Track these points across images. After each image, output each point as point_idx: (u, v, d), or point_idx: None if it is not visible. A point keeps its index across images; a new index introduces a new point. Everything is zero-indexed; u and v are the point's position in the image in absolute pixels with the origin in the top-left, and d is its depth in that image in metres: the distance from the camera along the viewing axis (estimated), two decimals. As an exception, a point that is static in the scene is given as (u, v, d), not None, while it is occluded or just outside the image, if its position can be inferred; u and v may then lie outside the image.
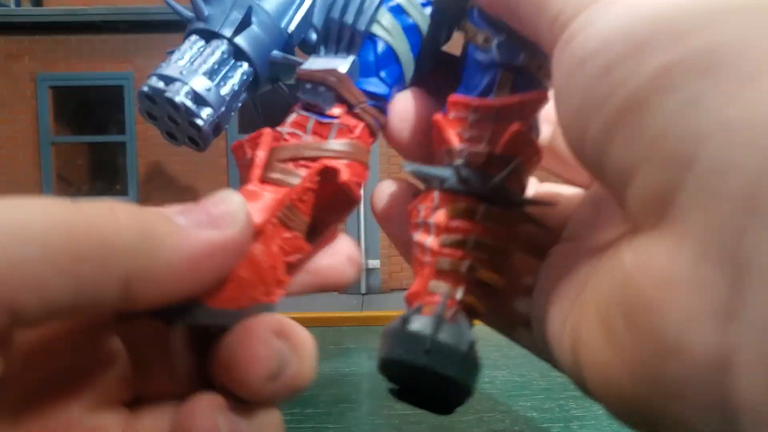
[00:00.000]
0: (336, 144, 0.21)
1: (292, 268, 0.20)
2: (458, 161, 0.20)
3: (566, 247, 0.22)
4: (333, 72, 0.21)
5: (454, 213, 0.20)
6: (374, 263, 4.68)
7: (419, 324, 0.18)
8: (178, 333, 0.19)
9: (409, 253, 0.22)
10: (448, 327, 0.18)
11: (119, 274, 0.15)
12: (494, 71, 0.21)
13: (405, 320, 0.19)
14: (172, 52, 0.23)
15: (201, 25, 0.23)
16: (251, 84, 0.23)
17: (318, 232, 0.21)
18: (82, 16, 4.29)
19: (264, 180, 0.20)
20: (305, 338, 0.19)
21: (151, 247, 0.15)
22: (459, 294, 0.20)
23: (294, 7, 0.23)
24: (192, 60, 0.22)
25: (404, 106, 0.23)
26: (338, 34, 0.22)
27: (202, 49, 0.22)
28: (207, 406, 0.18)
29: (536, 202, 0.21)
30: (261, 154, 0.21)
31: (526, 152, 0.20)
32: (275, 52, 0.23)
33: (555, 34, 0.17)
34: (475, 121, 0.21)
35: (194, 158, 4.35)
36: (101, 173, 4.69)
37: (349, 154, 0.21)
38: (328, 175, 0.20)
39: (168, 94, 0.21)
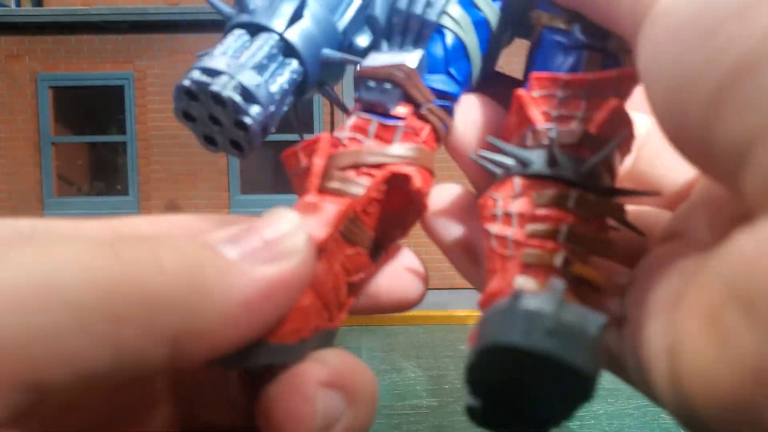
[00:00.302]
0: (401, 149, 0.19)
1: (354, 288, 0.18)
2: (544, 142, 0.18)
3: (665, 247, 0.19)
4: (401, 67, 0.19)
5: (542, 200, 0.17)
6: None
7: (537, 302, 0.14)
8: (233, 370, 0.18)
9: (467, 257, 0.20)
10: (570, 306, 0.14)
11: (166, 334, 0.13)
12: (578, 52, 0.19)
13: (516, 298, 0.15)
14: (203, 55, 0.20)
15: (246, 18, 0.21)
16: (299, 85, 0.21)
17: (381, 247, 0.19)
18: (82, 16, 4.28)
19: (322, 190, 0.18)
20: (365, 385, 0.17)
21: (201, 298, 0.13)
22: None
23: (345, 2, 0.21)
24: (237, 54, 0.20)
25: (472, 109, 0.21)
26: (404, 26, 0.20)
27: (248, 44, 0.20)
28: None
29: (636, 191, 0.18)
30: (319, 162, 0.19)
31: (622, 133, 0.18)
32: (328, 51, 0.21)
33: (639, 11, 0.15)
34: (565, 98, 0.19)
35: (194, 159, 4.34)
36: (102, 173, 4.69)
37: (415, 159, 0.19)
38: (396, 182, 0.19)
39: (214, 88, 0.19)
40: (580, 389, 0.14)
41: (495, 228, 0.18)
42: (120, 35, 4.31)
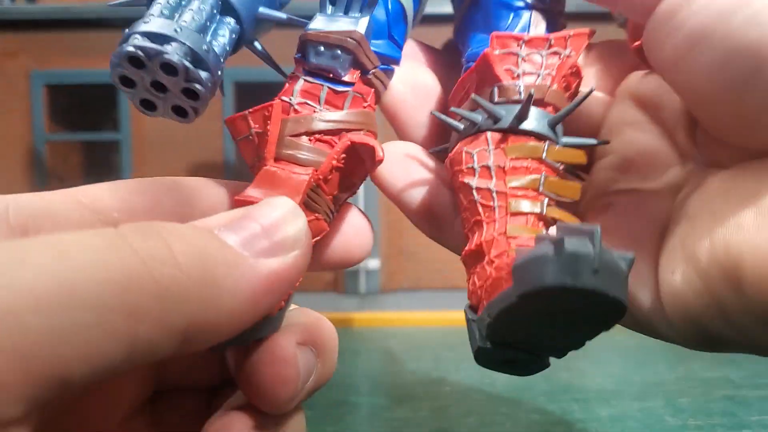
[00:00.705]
0: (352, 114, 0.19)
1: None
2: (513, 98, 0.19)
3: (622, 196, 0.21)
4: (352, 34, 0.19)
5: (518, 153, 0.19)
6: (374, 264, 4.66)
7: (577, 244, 0.15)
8: None
9: (438, 213, 0.21)
10: (604, 248, 0.16)
11: (179, 327, 0.13)
12: (527, 12, 0.21)
13: (559, 242, 0.15)
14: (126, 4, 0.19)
15: None
16: (234, 44, 0.21)
17: (334, 209, 0.20)
18: (76, 12, 4.26)
19: (277, 157, 0.19)
20: (330, 336, 0.19)
21: (212, 291, 0.14)
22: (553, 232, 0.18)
23: None
24: (178, 14, 0.19)
25: (406, 71, 0.22)
26: None
27: (185, 3, 0.19)
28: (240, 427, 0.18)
29: (592, 142, 0.20)
30: (274, 129, 0.19)
31: (589, 90, 0.20)
32: (265, 9, 0.21)
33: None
34: (526, 56, 0.20)
35: (190, 157, 4.32)
36: (95, 171, 4.66)
37: (364, 124, 0.20)
38: (355, 151, 0.19)
39: (167, 56, 0.18)
40: (616, 316, 0.16)
41: (474, 181, 0.19)
42: (115, 32, 4.29)
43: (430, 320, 1.36)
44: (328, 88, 0.20)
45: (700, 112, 0.17)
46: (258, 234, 0.15)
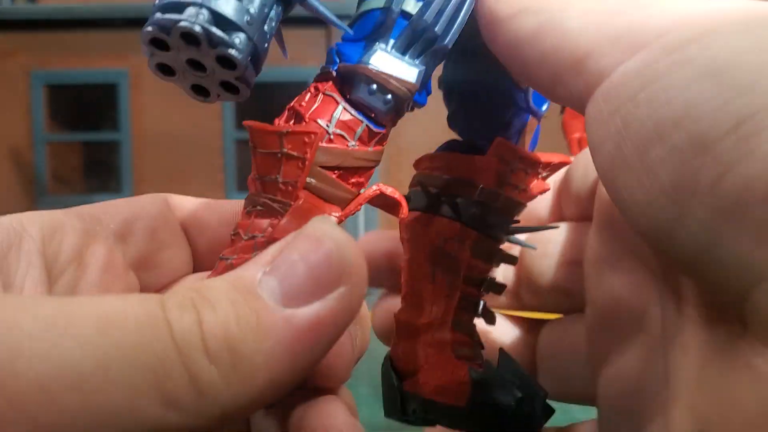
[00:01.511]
0: (375, 154, 0.19)
1: None
2: (488, 202, 0.23)
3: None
4: (407, 85, 0.19)
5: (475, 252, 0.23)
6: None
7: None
8: None
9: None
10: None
11: (213, 414, 0.13)
12: (526, 115, 0.24)
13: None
14: None
15: None
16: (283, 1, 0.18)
17: None
18: (77, 12, 4.26)
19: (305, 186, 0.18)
20: (365, 310, 0.19)
21: (244, 374, 0.13)
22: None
23: None
24: None
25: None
26: (417, 37, 0.19)
27: None
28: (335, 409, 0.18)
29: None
30: (311, 158, 0.18)
31: (553, 225, 0.26)
32: None
33: (589, 83, 0.15)
34: (516, 169, 0.23)
35: (190, 156, 4.32)
36: (95, 172, 4.66)
37: (376, 163, 0.20)
38: (378, 199, 0.20)
39: (182, 24, 0.16)
40: None
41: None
42: (115, 32, 4.29)
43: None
44: (367, 126, 0.19)
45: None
46: (304, 283, 0.14)
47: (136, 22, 4.25)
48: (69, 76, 4.40)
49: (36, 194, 4.37)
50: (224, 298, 0.13)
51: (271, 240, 0.18)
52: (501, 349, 0.23)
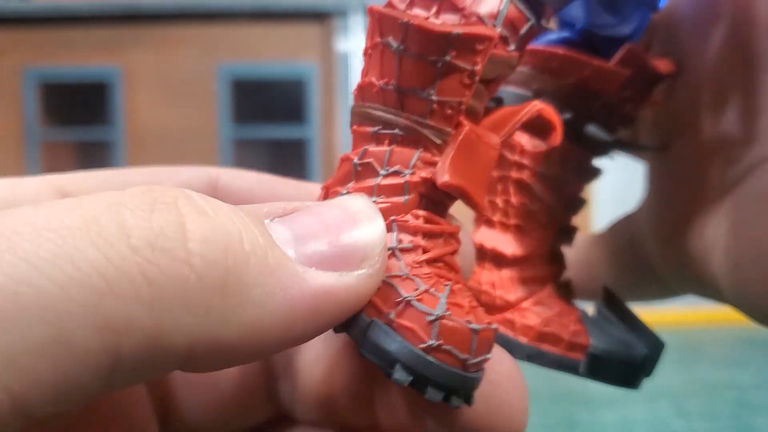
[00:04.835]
0: (516, 61, 0.17)
1: None
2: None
3: None
4: None
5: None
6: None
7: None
8: None
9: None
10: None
11: (178, 347, 0.10)
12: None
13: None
14: None
15: None
16: None
17: None
18: (69, 9, 4.21)
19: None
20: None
21: (231, 304, 0.10)
22: None
23: None
24: None
25: None
26: None
27: None
28: None
29: None
30: (479, 70, 0.14)
31: None
32: None
33: None
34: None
35: (184, 156, 4.29)
36: (89, 170, 4.62)
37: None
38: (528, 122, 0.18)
39: None
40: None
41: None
42: (108, 28, 4.24)
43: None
44: (532, 25, 0.16)
45: None
46: (318, 233, 0.12)
47: (129, 18, 4.21)
48: (62, 73, 4.36)
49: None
50: (226, 211, 0.11)
51: (427, 181, 0.14)
52: (606, 289, 0.21)
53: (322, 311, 0.11)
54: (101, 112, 4.41)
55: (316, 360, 0.16)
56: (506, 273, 0.20)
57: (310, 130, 4.26)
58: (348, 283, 0.12)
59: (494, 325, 0.14)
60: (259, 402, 0.17)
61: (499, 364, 0.15)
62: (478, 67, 0.14)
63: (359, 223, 0.12)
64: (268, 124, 4.20)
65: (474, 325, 0.13)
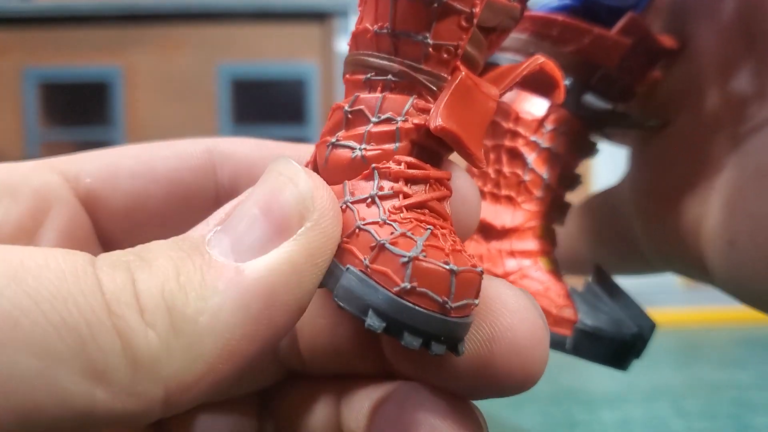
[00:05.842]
0: (519, 12, 0.17)
1: None
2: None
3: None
4: None
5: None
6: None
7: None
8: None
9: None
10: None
11: (155, 395, 0.10)
12: None
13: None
14: None
15: None
16: None
17: None
18: (70, 9, 4.21)
19: None
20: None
21: (186, 342, 0.10)
22: None
23: None
24: None
25: None
26: None
27: None
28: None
29: None
30: (477, 12, 0.14)
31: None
32: None
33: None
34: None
35: (185, 155, 4.28)
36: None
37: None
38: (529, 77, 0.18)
39: None
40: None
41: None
42: (109, 28, 4.24)
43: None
44: None
45: None
46: (251, 224, 0.12)
47: (129, 18, 4.21)
48: (62, 73, 4.36)
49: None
50: (163, 256, 0.11)
51: (420, 128, 0.14)
52: (597, 266, 0.20)
53: (278, 291, 0.11)
54: (101, 112, 4.41)
55: (320, 312, 0.16)
56: (494, 245, 0.20)
57: (310, 130, 4.26)
58: (290, 249, 0.12)
59: (479, 268, 0.13)
60: (267, 364, 0.17)
61: (513, 301, 0.14)
62: (476, 9, 0.13)
63: (282, 189, 0.12)
64: (268, 124, 4.20)
65: (452, 266, 0.12)
